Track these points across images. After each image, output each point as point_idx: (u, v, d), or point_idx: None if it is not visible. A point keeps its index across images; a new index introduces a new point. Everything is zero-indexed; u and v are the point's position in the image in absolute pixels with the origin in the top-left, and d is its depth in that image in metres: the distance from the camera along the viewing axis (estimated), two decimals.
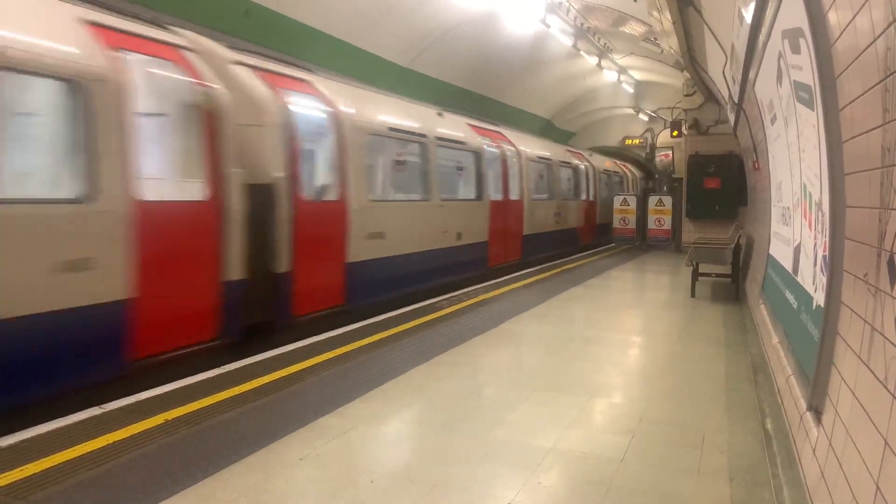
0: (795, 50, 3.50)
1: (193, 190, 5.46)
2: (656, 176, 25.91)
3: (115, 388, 4.56)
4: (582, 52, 16.70)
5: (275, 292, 6.31)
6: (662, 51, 15.00)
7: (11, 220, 4.04)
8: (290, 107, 6.59)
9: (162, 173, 5.64)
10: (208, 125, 5.44)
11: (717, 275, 10.47)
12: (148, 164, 5.14)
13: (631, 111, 25.81)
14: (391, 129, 8.78)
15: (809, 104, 3.43)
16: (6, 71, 4.04)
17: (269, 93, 6.39)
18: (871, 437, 2.12)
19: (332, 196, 7.31)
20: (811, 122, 3.48)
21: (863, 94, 2.33)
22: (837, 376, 2.82)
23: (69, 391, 4.42)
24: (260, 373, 5.07)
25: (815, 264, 3.73)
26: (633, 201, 18.14)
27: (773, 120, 5.71)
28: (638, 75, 21.25)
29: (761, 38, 4.82)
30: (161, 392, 4.53)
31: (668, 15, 8.60)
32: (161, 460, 3.47)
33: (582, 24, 15.09)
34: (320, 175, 7.70)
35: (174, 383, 4.71)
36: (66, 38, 4.48)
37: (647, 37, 14.86)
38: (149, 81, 5.41)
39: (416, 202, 9.46)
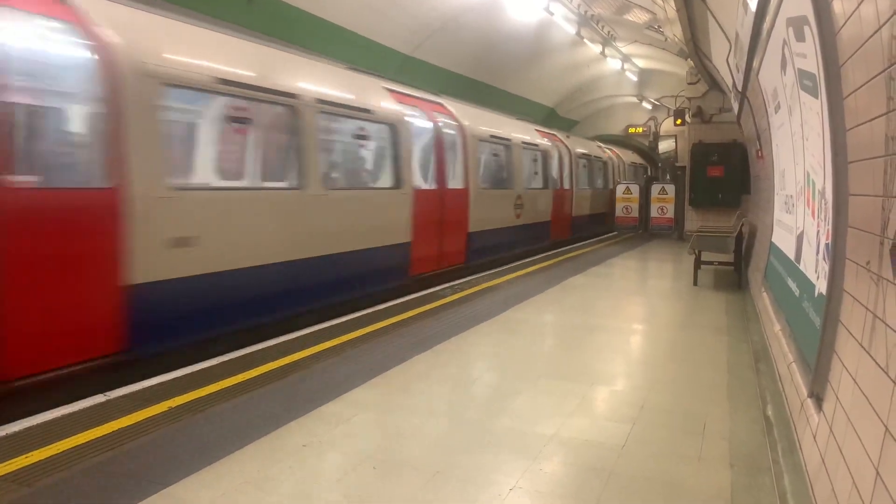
0: (800, 38, 3.48)
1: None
2: (659, 164, 25.89)
3: (120, 376, 4.60)
4: (585, 40, 16.62)
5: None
6: (666, 39, 14.94)
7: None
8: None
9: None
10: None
11: (720, 263, 10.47)
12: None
13: (634, 100, 25.73)
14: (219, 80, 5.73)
15: (813, 92, 3.42)
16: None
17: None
18: (871, 424, 2.14)
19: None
20: (815, 110, 3.47)
21: (867, 83, 2.32)
22: (839, 363, 2.83)
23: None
24: (264, 360, 5.11)
25: (817, 252, 3.73)
26: (636, 190, 18.11)
27: (777, 108, 5.69)
28: (642, 63, 21.14)
29: (766, 25, 4.79)
30: (165, 379, 4.56)
31: (672, 2, 8.56)
32: (165, 447, 3.51)
33: (585, 12, 15.01)
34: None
35: (178, 370, 4.75)
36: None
37: (651, 24, 14.78)
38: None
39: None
